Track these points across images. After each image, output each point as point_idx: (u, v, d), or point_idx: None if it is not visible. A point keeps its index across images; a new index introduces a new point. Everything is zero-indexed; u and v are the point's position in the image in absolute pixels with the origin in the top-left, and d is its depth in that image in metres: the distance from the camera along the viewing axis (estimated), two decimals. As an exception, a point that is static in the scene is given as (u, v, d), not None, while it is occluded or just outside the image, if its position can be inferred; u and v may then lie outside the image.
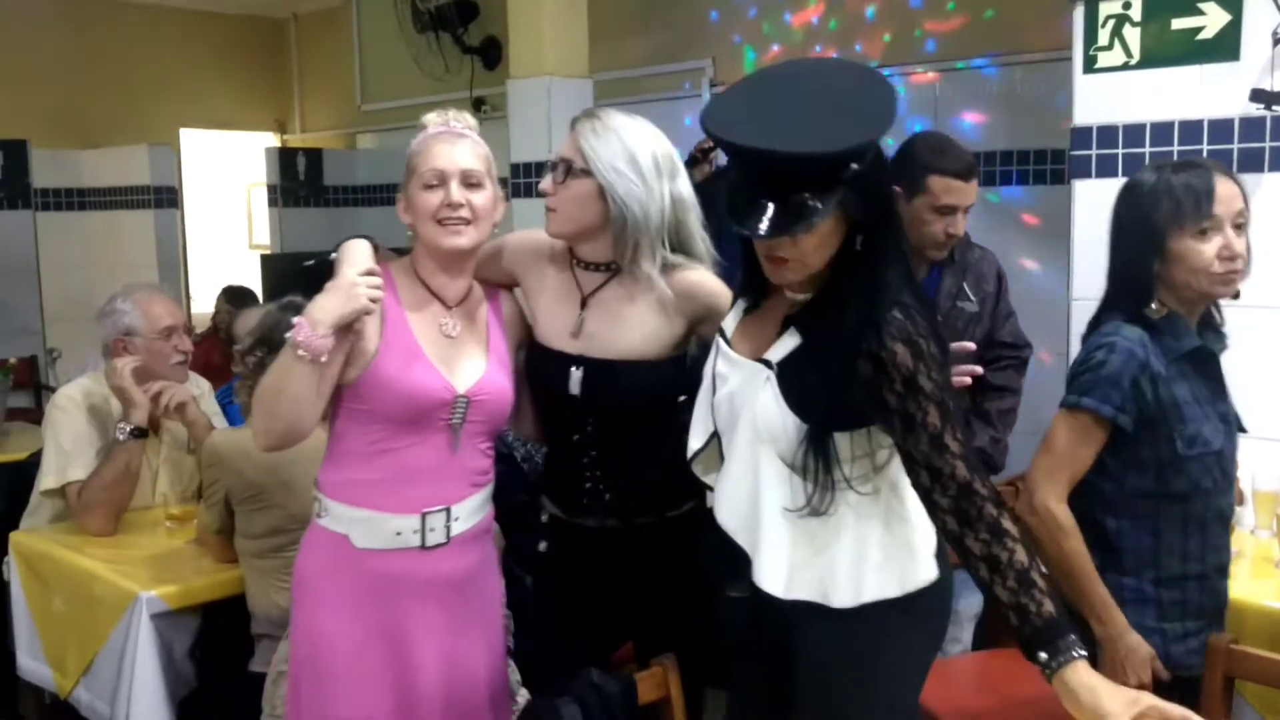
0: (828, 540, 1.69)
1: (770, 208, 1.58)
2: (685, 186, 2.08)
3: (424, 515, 2.00)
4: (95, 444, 2.91)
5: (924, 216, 2.74)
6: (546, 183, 2.07)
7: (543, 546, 2.25)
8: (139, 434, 2.86)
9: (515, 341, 2.18)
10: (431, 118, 2.08)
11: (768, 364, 1.72)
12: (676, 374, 2.08)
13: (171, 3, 7.09)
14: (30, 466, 3.18)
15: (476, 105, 6.03)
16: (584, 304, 2.11)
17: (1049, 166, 4.19)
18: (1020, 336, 2.99)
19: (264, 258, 6.58)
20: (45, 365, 6.35)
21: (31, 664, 2.81)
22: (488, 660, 2.15)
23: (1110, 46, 3.02)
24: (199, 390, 3.24)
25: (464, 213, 1.98)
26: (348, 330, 1.91)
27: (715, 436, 1.83)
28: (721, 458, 1.81)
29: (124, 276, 6.62)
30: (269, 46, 7.72)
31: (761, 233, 1.59)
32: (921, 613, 1.76)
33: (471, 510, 2.07)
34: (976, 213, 2.93)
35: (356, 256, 1.96)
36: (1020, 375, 3.01)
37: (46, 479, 2.89)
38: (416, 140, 2.06)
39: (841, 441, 1.66)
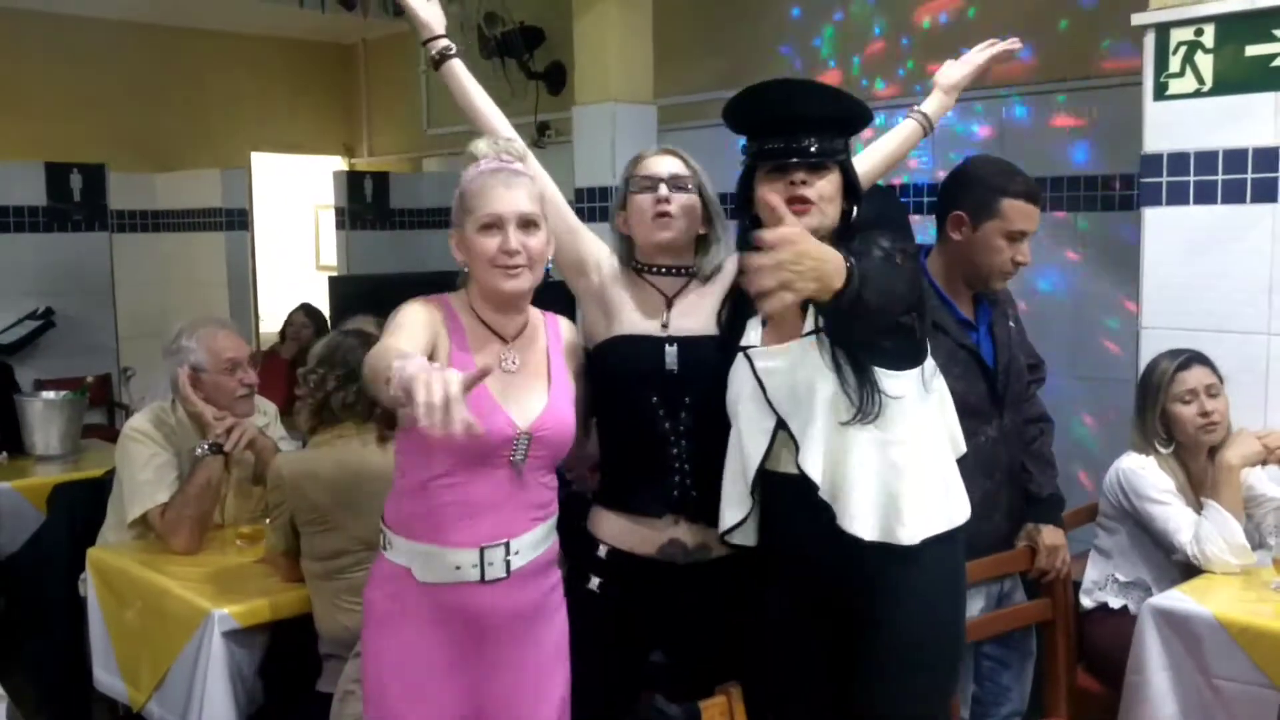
0: (894, 484, 1.94)
1: (812, 142, 1.98)
2: None
3: (482, 550, 1.99)
4: (175, 468, 2.96)
5: (994, 243, 2.55)
6: (665, 192, 2.22)
7: (595, 584, 2.22)
8: (217, 450, 2.92)
9: (574, 369, 2.19)
10: (482, 147, 2.08)
11: (813, 331, 1.97)
12: None
13: (244, 29, 7.26)
14: (106, 484, 3.25)
15: (541, 130, 6.10)
16: (669, 304, 2.24)
17: (1117, 192, 4.14)
18: (1037, 354, 2.92)
19: (331, 279, 6.69)
20: (119, 383, 6.49)
21: (106, 677, 2.86)
22: (554, 694, 2.12)
23: (1182, 73, 2.99)
24: (266, 417, 3.29)
25: (520, 259, 1.99)
26: None
27: (780, 427, 2.00)
28: (794, 441, 1.98)
29: (196, 296, 6.79)
30: (338, 72, 7.87)
31: (813, 150, 1.98)
32: (958, 546, 2.06)
33: (532, 544, 2.06)
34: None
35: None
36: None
37: (132, 509, 2.93)
38: (471, 176, 2.05)
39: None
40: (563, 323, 2.22)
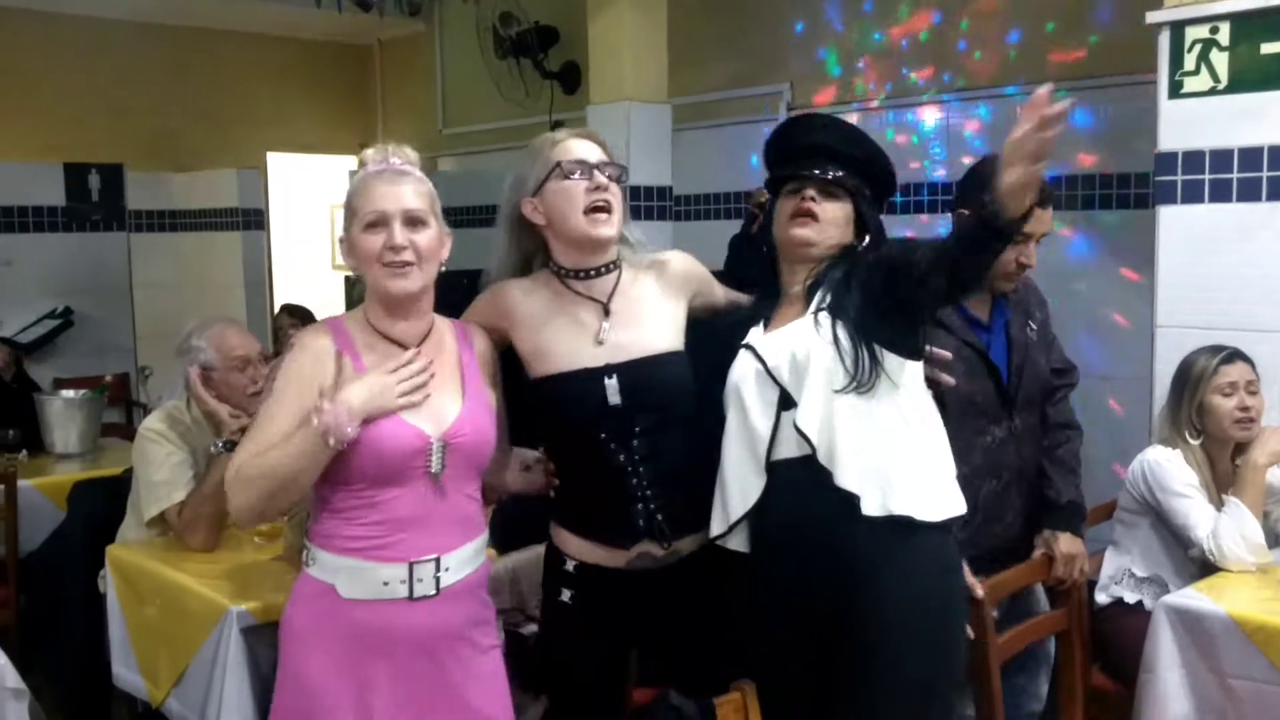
0: (885, 456, 1.99)
1: (829, 170, 2.12)
2: None
3: (411, 565, 1.93)
4: (190, 466, 2.99)
5: None
6: (603, 179, 2.10)
7: (566, 596, 2.18)
8: (231, 448, 2.94)
9: (490, 376, 2.11)
10: (370, 154, 2.03)
11: (819, 309, 2.06)
12: (693, 363, 2.14)
13: (260, 30, 7.28)
14: (125, 482, 3.27)
15: (555, 129, 6.09)
16: (606, 310, 2.11)
17: (1133, 191, 4.12)
18: (1068, 360, 2.90)
19: (347, 278, 6.73)
20: (137, 382, 6.53)
21: (126, 673, 2.88)
22: (487, 717, 2.05)
23: (1197, 71, 2.99)
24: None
25: (407, 255, 1.92)
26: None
27: (783, 406, 2.05)
28: (795, 404, 2.03)
29: (213, 296, 6.83)
30: (354, 72, 7.90)
31: (830, 176, 2.11)
32: (951, 539, 2.08)
33: (462, 561, 1.99)
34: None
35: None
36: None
37: (149, 508, 2.96)
38: (356, 179, 2.00)
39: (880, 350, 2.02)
40: (473, 329, 2.13)
